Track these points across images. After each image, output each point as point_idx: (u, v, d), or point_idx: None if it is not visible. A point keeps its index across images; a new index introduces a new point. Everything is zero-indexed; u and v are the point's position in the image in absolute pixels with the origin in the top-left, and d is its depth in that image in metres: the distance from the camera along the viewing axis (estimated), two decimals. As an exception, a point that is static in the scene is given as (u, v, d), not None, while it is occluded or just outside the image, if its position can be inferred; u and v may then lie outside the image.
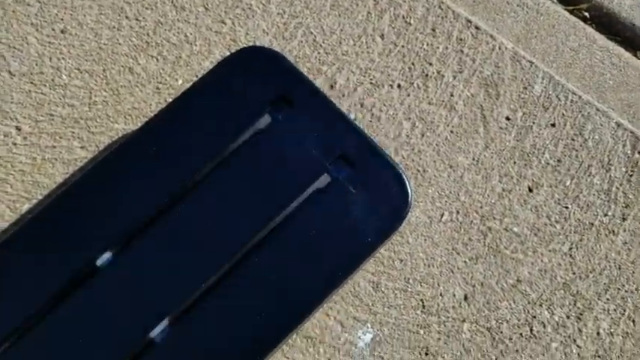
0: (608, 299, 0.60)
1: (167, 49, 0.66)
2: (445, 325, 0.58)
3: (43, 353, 0.51)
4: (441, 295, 0.59)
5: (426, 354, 0.58)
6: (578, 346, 0.58)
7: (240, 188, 0.55)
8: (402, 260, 0.60)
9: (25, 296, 0.52)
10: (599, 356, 0.58)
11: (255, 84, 0.58)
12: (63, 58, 0.66)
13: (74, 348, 0.51)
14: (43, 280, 0.52)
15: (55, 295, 0.52)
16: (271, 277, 0.53)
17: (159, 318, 0.51)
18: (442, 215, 0.61)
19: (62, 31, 0.66)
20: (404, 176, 0.54)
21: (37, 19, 0.67)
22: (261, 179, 0.55)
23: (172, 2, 0.68)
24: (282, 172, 0.55)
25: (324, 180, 0.55)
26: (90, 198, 0.54)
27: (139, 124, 0.64)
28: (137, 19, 0.67)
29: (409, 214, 0.55)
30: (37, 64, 0.65)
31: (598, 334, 0.59)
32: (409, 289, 0.59)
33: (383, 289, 0.59)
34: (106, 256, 0.53)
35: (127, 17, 0.67)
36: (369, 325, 0.58)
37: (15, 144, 0.63)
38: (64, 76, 0.65)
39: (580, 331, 0.59)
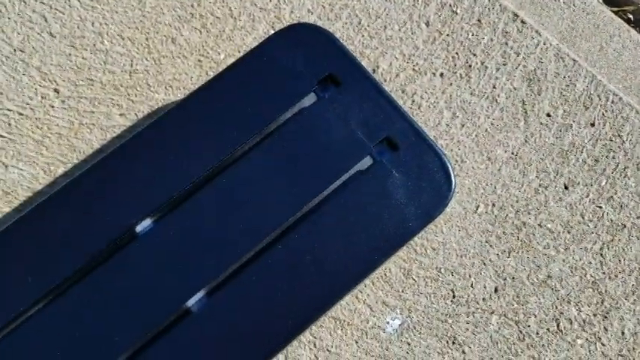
0: (635, 300, 0.60)
1: (211, 22, 0.66)
2: (474, 316, 0.59)
3: (80, 314, 0.51)
4: (471, 286, 0.60)
5: (453, 343, 0.58)
6: (602, 344, 0.59)
7: (283, 164, 0.55)
8: (434, 249, 0.60)
9: (65, 258, 0.52)
10: (622, 355, 0.59)
11: (304, 61, 0.58)
12: (105, 24, 0.65)
13: (110, 312, 0.51)
14: (82, 244, 0.52)
15: (94, 258, 0.52)
16: (309, 254, 0.53)
17: (196, 288, 0.52)
18: (477, 207, 0.62)
19: (106, -4, 0.66)
20: (448, 164, 0.55)
21: (81, -18, 0.66)
22: (304, 157, 0.55)
23: (218, -26, 0.68)
24: (325, 152, 0.55)
25: (366, 162, 0.55)
26: (132, 165, 0.54)
27: (180, 96, 0.64)
28: (182, -11, 0.67)
29: (451, 201, 0.55)
30: (78, 28, 0.65)
31: (623, 333, 0.59)
32: (440, 279, 0.60)
33: (414, 276, 0.60)
34: (146, 223, 0.53)
35: (171, -14, 0.67)
36: (397, 311, 0.59)
37: (53, 106, 0.62)
38: (106, 42, 0.65)
39: (605, 329, 0.59)
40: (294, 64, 0.57)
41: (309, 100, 0.56)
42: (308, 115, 0.56)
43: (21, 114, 0.62)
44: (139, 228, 0.53)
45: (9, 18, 0.64)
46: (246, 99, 0.56)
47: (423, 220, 0.54)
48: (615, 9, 0.71)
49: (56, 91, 0.63)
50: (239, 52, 0.65)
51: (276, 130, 0.55)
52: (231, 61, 0.65)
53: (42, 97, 0.62)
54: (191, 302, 0.51)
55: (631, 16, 0.71)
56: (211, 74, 0.64)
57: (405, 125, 0.55)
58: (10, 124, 0.61)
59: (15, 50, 0.63)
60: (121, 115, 0.63)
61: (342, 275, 0.53)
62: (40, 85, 0.63)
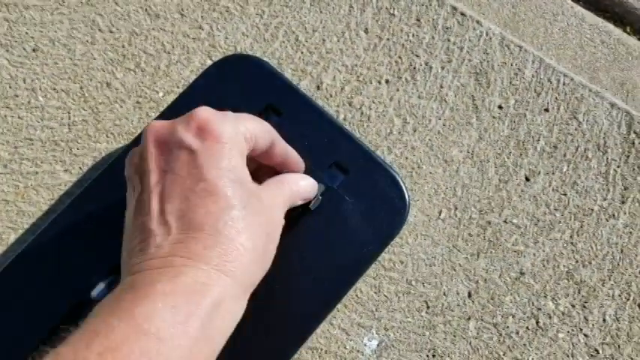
0: (612, 285, 0.59)
1: (144, 60, 0.64)
2: (451, 325, 0.58)
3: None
4: (444, 294, 0.58)
5: (434, 355, 0.57)
6: (585, 334, 0.58)
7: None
8: (402, 262, 0.59)
9: (19, 329, 0.51)
10: (606, 343, 0.58)
11: (241, 94, 0.56)
12: (37, 79, 0.63)
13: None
14: (37, 313, 0.51)
15: (50, 327, 0.51)
16: (272, 295, 0.51)
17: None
18: (440, 212, 0.60)
19: (34, 50, 0.64)
20: (400, 180, 0.53)
21: (7, 39, 0.64)
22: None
23: (146, 10, 0.65)
24: (274, 184, 0.53)
25: (318, 189, 0.53)
26: (81, 225, 0.53)
27: (122, 142, 0.62)
28: (111, 31, 0.65)
29: (407, 218, 0.54)
30: (10, 87, 0.63)
31: (604, 320, 0.58)
32: (412, 291, 0.58)
33: (385, 292, 0.58)
34: (101, 287, 0.51)
35: (100, 30, 0.65)
36: (374, 331, 0.57)
37: (-4, 172, 0.60)
38: (40, 97, 0.63)
39: (586, 319, 0.58)
40: (232, 97, 0.56)
41: (251, 132, 0.54)
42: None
43: (-36, 184, 0.60)
44: (94, 293, 0.51)
45: (-64, 88, 0.62)
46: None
47: (383, 241, 0.52)
48: (556, -15, 0.69)
49: (-4, 155, 0.61)
50: (177, 87, 0.63)
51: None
52: (170, 98, 0.63)
53: (-17, 164, 0.60)
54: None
55: (573, -9, 0.69)
56: (152, 115, 0.62)
57: (352, 147, 0.54)
58: (-47, 198, 0.59)
59: (-53, 120, 0.61)
60: (65, 170, 0.61)
61: (310, 309, 0.52)
62: (-21, 152, 0.61)
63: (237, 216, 0.40)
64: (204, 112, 0.42)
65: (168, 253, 0.38)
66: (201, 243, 0.39)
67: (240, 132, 0.43)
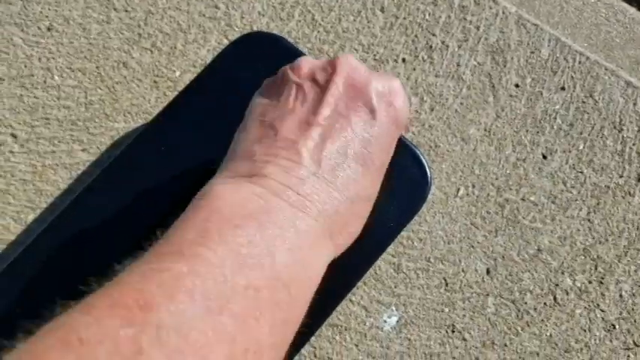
0: (628, 261, 0.59)
1: (160, 39, 0.63)
2: (469, 301, 0.58)
3: None
4: (463, 271, 0.58)
5: (453, 331, 0.57)
6: (602, 310, 0.58)
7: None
8: (421, 239, 0.59)
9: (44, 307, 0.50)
10: (622, 318, 0.58)
11: (259, 71, 0.55)
12: (52, 58, 0.62)
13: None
14: (57, 293, 0.51)
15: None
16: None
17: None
18: (458, 190, 0.60)
19: (49, 29, 0.63)
20: (421, 156, 0.53)
21: (21, 18, 0.63)
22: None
23: (161, -11, 0.65)
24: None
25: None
26: (100, 204, 0.53)
27: (140, 121, 0.61)
28: (126, 10, 0.64)
29: (429, 194, 0.54)
30: (26, 66, 0.62)
31: (621, 296, 0.59)
32: (431, 268, 0.58)
33: (404, 270, 0.58)
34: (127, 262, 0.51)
35: (115, 9, 0.64)
36: (393, 308, 0.57)
37: (12, 152, 0.60)
38: (56, 77, 0.62)
39: (603, 295, 0.58)
40: (251, 74, 0.55)
41: (272, 109, 0.54)
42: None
43: (-19, 164, 0.59)
44: (117, 267, 0.51)
45: (-49, 68, 0.61)
46: (207, 118, 0.54)
47: (404, 218, 0.52)
48: (571, -35, 0.68)
49: (14, 135, 0.60)
50: (194, 66, 0.63)
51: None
52: (187, 77, 0.63)
53: (0, 145, 0.60)
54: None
55: (588, -30, 0.69)
56: (169, 94, 0.62)
57: (372, 123, 0.53)
58: (-30, 178, 0.59)
59: (-37, 100, 0.61)
60: (83, 150, 0.60)
61: (333, 285, 0.52)
62: (-4, 132, 0.60)
63: (367, 208, 0.43)
64: (402, 94, 0.43)
65: (303, 186, 0.39)
66: (331, 201, 0.39)
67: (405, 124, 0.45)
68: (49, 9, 0.64)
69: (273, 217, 0.37)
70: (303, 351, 0.57)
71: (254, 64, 0.55)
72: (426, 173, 0.53)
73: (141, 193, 0.52)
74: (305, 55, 0.55)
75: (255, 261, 0.34)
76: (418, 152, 0.53)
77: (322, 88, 0.42)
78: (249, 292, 0.33)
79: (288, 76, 0.44)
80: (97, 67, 0.62)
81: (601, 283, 0.58)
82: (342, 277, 0.51)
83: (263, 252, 0.35)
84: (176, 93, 0.61)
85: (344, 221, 0.42)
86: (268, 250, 0.35)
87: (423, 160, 0.53)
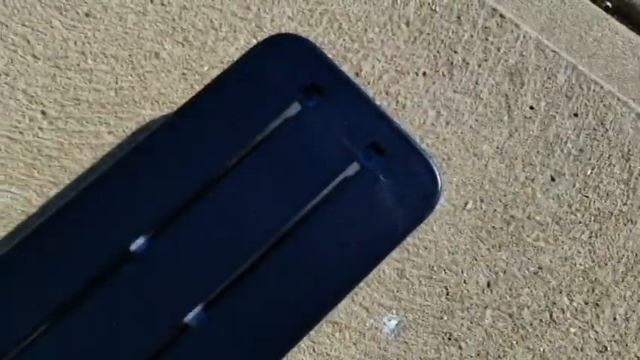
0: (625, 286, 0.61)
1: (193, 34, 0.66)
2: (468, 312, 0.59)
3: (77, 338, 0.51)
4: (464, 282, 0.60)
5: (449, 339, 0.59)
6: (595, 331, 0.60)
7: (271, 176, 0.55)
8: (426, 248, 0.61)
9: (61, 283, 0.52)
10: (615, 341, 0.59)
11: (285, 71, 0.57)
12: (88, 43, 0.65)
13: (109, 333, 0.51)
14: (77, 266, 0.53)
15: (90, 280, 0.52)
16: (302, 263, 0.53)
17: (193, 303, 0.52)
18: (466, 203, 0.62)
19: (87, 15, 0.66)
20: (434, 165, 0.55)
21: (61, 2, 0.66)
22: (291, 167, 0.55)
23: (197, -14, 0.67)
24: (311, 160, 0.55)
25: (353, 168, 0.55)
26: (124, 184, 0.54)
27: (166, 110, 0.64)
28: (162, 4, 0.67)
29: (439, 202, 0.55)
30: (61, 48, 0.65)
31: (614, 319, 0.60)
32: (434, 277, 0.60)
33: (408, 276, 0.60)
34: (140, 241, 0.53)
35: (152, 1, 0.67)
36: (394, 311, 0.59)
37: (41, 128, 0.62)
38: (90, 61, 0.64)
39: (597, 317, 0.60)
40: (277, 74, 0.57)
41: (294, 109, 0.56)
42: (294, 124, 0.56)
43: (10, 138, 0.62)
44: (133, 247, 0.53)
45: (-9, 43, 0.64)
46: (232, 112, 0.56)
47: (412, 222, 0.54)
48: (593, -3, 0.70)
49: (44, 113, 0.63)
50: (222, 63, 0.65)
51: (264, 141, 0.55)
52: (215, 72, 0.65)
53: (30, 120, 0.62)
54: (188, 318, 0.52)
55: (609, 4, 0.71)
56: (196, 87, 0.64)
57: (390, 129, 0.55)
58: (0, 149, 0.61)
59: (0, 74, 0.63)
60: (109, 132, 0.62)
61: (337, 281, 0.53)
62: (28, 108, 0.63)
63: None
64: None
65: None
66: None
67: None
68: (89, -4, 0.66)
69: None
70: (301, 344, 0.59)
71: (280, 65, 0.57)
72: (437, 182, 0.54)
73: (161, 179, 0.54)
74: (329, 60, 0.57)
75: None
76: (431, 162, 0.55)
77: None
78: None
79: None
80: (129, 55, 0.65)
81: (597, 305, 0.60)
82: (347, 272, 0.53)
83: None
84: (203, 86, 0.63)
85: None
86: None
87: (436, 170, 0.55)
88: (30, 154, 0.61)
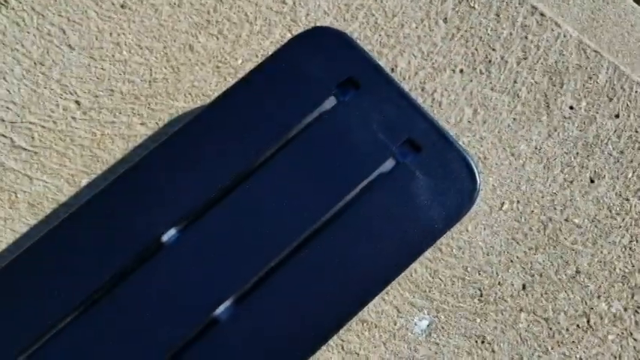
0: (666, 294, 0.59)
1: (227, 27, 0.65)
2: (502, 314, 0.58)
3: (107, 328, 0.51)
4: (499, 284, 0.58)
5: (482, 342, 0.57)
6: (634, 339, 0.57)
7: (306, 169, 0.54)
8: (460, 248, 0.59)
9: (91, 272, 0.52)
10: (655, 350, 0.57)
11: (322, 65, 0.57)
12: (123, 34, 0.65)
13: (138, 324, 0.51)
14: (108, 256, 0.52)
15: (120, 270, 0.52)
16: (335, 260, 0.52)
17: (223, 296, 0.51)
18: (502, 204, 0.60)
19: (122, 6, 0.66)
20: (472, 163, 0.53)
21: (98, -7, 0.66)
22: (326, 161, 0.54)
23: (233, -21, 0.67)
24: (347, 155, 0.54)
25: (389, 164, 0.54)
26: (156, 175, 0.54)
27: (199, 103, 0.63)
28: (197, -4, 0.66)
29: (477, 200, 0.54)
30: (97, 39, 0.64)
31: (655, 328, 0.58)
32: (467, 278, 0.59)
33: (440, 276, 0.59)
34: (172, 232, 0.52)
35: (187, -7, 0.66)
36: (425, 312, 0.58)
37: (74, 118, 0.62)
38: (124, 52, 0.64)
39: (637, 323, 0.58)
40: (313, 68, 0.56)
41: (330, 103, 0.55)
42: (329, 119, 0.55)
43: (44, 127, 0.62)
44: (165, 238, 0.52)
45: (28, 32, 0.64)
46: (267, 105, 0.55)
47: (448, 220, 0.53)
48: (636, -3, 0.69)
49: (77, 102, 0.62)
50: (256, 56, 0.64)
51: (299, 135, 0.55)
52: (249, 66, 0.64)
53: (63, 110, 0.62)
54: (219, 311, 0.51)
55: (652, 4, 0.69)
56: (230, 80, 0.64)
57: (427, 125, 0.54)
58: (33, 137, 0.61)
59: (35, 64, 0.63)
60: (142, 124, 0.62)
61: (371, 279, 0.52)
62: (62, 98, 0.62)
63: None
64: None
65: None
66: None
67: None
68: (125, -13, 0.66)
69: None
70: (330, 342, 0.58)
71: (316, 58, 0.57)
72: (475, 180, 0.53)
73: (194, 171, 0.54)
74: (366, 54, 0.56)
75: None
76: (470, 159, 0.54)
77: None
78: None
79: None
80: (164, 47, 0.64)
81: (637, 311, 0.58)
82: (381, 270, 0.52)
83: None
84: (236, 80, 0.63)
85: None
86: None
87: (474, 167, 0.53)
88: (63, 143, 0.61)
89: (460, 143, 0.60)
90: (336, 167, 0.54)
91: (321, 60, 0.57)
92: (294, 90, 0.56)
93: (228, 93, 0.56)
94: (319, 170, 0.54)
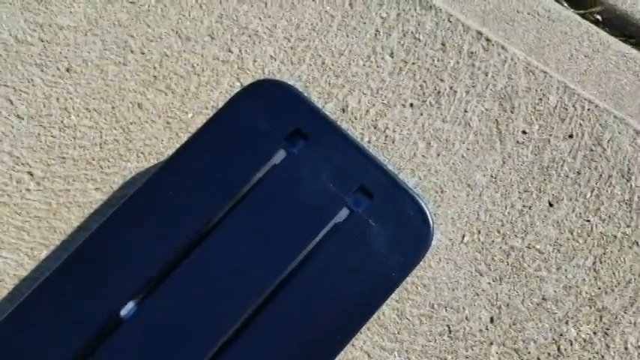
0: (634, 312, 0.58)
1: (175, 81, 0.65)
2: (473, 350, 0.57)
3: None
4: (466, 319, 0.58)
5: (455, 378, 0.57)
6: (607, 361, 0.57)
7: (261, 225, 0.53)
8: (425, 285, 0.59)
9: (51, 354, 0.51)
10: (628, 370, 0.57)
11: (269, 118, 0.56)
12: (70, 98, 0.64)
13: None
14: (67, 336, 0.51)
15: (80, 350, 0.51)
16: (298, 316, 0.52)
17: (187, 365, 0.51)
18: (463, 236, 0.60)
19: (67, 70, 0.65)
20: (424, 205, 0.53)
21: (41, 59, 0.65)
22: (281, 215, 0.54)
23: (177, 33, 0.66)
24: (300, 208, 0.54)
25: (343, 213, 0.53)
26: (106, 248, 0.53)
27: (152, 161, 0.62)
28: (142, 53, 0.65)
29: (431, 245, 0.53)
30: (44, 106, 0.64)
31: (626, 348, 0.57)
32: (434, 315, 0.58)
33: (408, 316, 0.58)
34: (130, 305, 0.52)
35: (131, 51, 0.65)
36: (396, 354, 0.57)
37: (28, 190, 0.61)
38: (73, 117, 0.63)
39: (607, 346, 0.58)
40: (260, 122, 0.56)
41: (280, 157, 0.55)
42: (280, 172, 0.54)
43: (-1, 200, 0.61)
44: (123, 312, 0.52)
45: (-27, 107, 0.63)
46: (216, 163, 0.55)
47: (406, 267, 0.52)
48: (582, 11, 0.68)
49: (30, 173, 0.62)
50: (206, 108, 0.64)
51: (251, 191, 0.54)
52: (199, 119, 0.63)
53: (17, 182, 0.61)
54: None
55: (599, 17, 0.69)
56: (182, 135, 0.63)
57: (377, 172, 0.54)
58: (-12, 214, 0.60)
59: (-16, 138, 0.62)
60: (96, 189, 0.61)
61: (334, 333, 0.52)
62: (14, 170, 0.62)
63: None
64: None
65: None
66: None
67: None
68: (68, 50, 0.65)
69: None
70: (305, 394, 0.57)
71: (263, 111, 0.56)
72: (428, 222, 0.53)
73: (152, 235, 0.53)
74: (312, 104, 0.56)
75: None
76: (421, 201, 0.53)
77: None
78: None
79: None
80: (112, 108, 0.63)
81: (606, 334, 0.57)
82: (345, 323, 0.52)
83: None
84: (188, 134, 0.62)
85: None
86: None
87: (426, 210, 0.53)
88: (19, 216, 0.60)
89: (412, 182, 0.59)
90: (291, 221, 0.53)
91: (268, 113, 0.56)
92: (242, 147, 0.55)
93: (175, 156, 0.55)
94: (274, 225, 0.53)
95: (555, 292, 0.58)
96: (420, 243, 0.53)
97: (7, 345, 0.51)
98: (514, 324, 0.57)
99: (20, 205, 0.61)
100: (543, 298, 0.58)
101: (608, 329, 0.57)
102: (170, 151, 0.61)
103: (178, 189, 0.54)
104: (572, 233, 0.60)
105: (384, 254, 0.52)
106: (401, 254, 0.52)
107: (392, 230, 0.53)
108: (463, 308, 0.58)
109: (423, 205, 0.53)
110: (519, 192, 0.60)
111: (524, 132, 0.62)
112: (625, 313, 0.58)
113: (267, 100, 0.56)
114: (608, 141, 0.62)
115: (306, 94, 0.57)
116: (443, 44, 0.65)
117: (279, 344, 0.51)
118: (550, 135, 0.62)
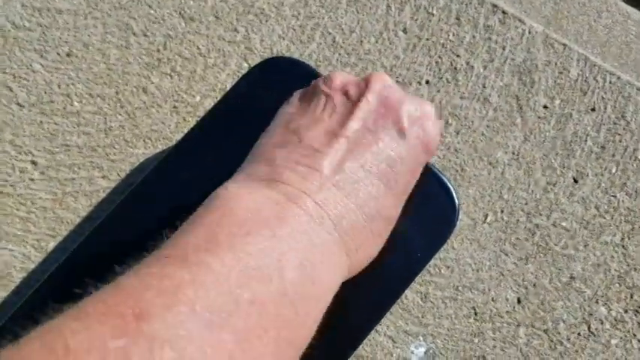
0: (665, 288, 0.56)
1: (180, 64, 0.61)
2: (500, 332, 0.55)
3: None
4: (492, 300, 0.55)
5: (483, 362, 0.54)
6: (638, 340, 0.55)
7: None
8: (448, 267, 0.56)
9: None
10: (660, 348, 0.55)
11: (280, 97, 0.53)
12: (72, 84, 0.61)
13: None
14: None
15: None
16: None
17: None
18: (486, 216, 0.57)
19: (68, 55, 0.62)
20: (449, 184, 0.50)
21: (41, 44, 0.62)
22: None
23: (180, 14, 0.63)
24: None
25: None
26: (115, 237, 0.51)
27: (160, 147, 0.59)
28: (145, 35, 0.62)
29: (457, 224, 0.51)
30: (45, 93, 0.61)
31: (658, 325, 0.55)
32: (459, 297, 0.55)
33: (432, 299, 0.55)
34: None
35: (134, 34, 0.62)
36: (421, 338, 0.55)
37: (33, 180, 0.58)
38: (76, 103, 0.60)
39: (639, 324, 0.55)
40: (272, 100, 0.53)
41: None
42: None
43: (2, 192, 0.58)
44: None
45: (-29, 96, 0.60)
46: (227, 147, 0.52)
47: (432, 247, 0.50)
48: (598, -19, 0.65)
49: (34, 162, 0.59)
50: (214, 91, 0.61)
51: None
52: (207, 102, 0.60)
53: (20, 172, 0.58)
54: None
55: (616, -13, 0.66)
56: (189, 119, 0.60)
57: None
58: (-9, 206, 0.57)
59: (-16, 127, 0.59)
60: (103, 177, 0.58)
61: (360, 318, 0.49)
62: (17, 160, 0.59)
63: (387, 229, 0.41)
64: (434, 119, 0.42)
65: (314, 195, 0.37)
66: (349, 215, 0.37)
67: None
68: (68, 35, 0.62)
69: (287, 226, 0.34)
70: (327, 383, 0.54)
71: (274, 90, 0.53)
72: (453, 200, 0.50)
73: (162, 223, 0.50)
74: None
75: (263, 273, 0.32)
76: (445, 179, 0.50)
77: (353, 103, 0.40)
78: (253, 307, 0.30)
79: (318, 87, 0.42)
80: (116, 93, 0.60)
81: (637, 312, 0.55)
82: (369, 308, 0.49)
83: (272, 264, 0.32)
84: (196, 118, 0.59)
85: (361, 238, 0.39)
86: (278, 262, 0.33)
87: (451, 187, 0.50)
88: (24, 207, 0.57)
89: (433, 164, 0.57)
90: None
91: (279, 91, 0.53)
92: (254, 129, 0.52)
93: (184, 141, 0.52)
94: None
95: (583, 270, 0.55)
96: (446, 223, 0.50)
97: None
98: (542, 304, 0.55)
99: (24, 195, 0.57)
100: (571, 277, 0.55)
101: (639, 307, 0.55)
102: (178, 136, 0.58)
103: (188, 174, 0.52)
104: (598, 209, 0.57)
105: (409, 236, 0.49)
106: (426, 235, 0.49)
107: (416, 211, 0.50)
108: (489, 289, 0.55)
109: (447, 183, 0.50)
110: (543, 169, 0.58)
111: (545, 107, 0.59)
112: (656, 290, 0.55)
113: (279, 78, 0.53)
114: (632, 113, 0.59)
115: (318, 71, 0.54)
116: (457, 18, 0.62)
117: (301, 332, 0.48)
118: (572, 109, 0.59)
